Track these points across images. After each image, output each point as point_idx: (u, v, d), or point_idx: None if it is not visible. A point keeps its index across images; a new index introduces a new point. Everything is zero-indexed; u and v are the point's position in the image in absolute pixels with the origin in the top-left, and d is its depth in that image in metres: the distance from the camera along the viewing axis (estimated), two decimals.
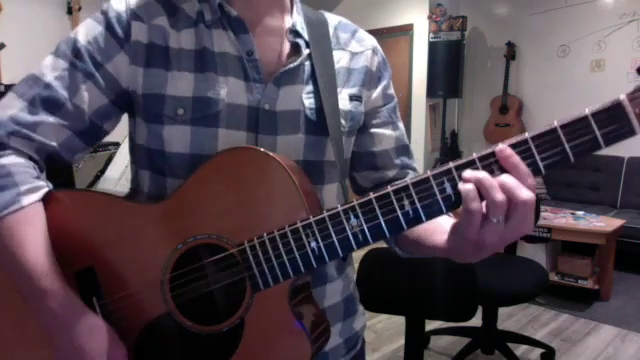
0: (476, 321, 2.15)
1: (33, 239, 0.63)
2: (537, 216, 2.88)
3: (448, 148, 5.37)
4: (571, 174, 4.54)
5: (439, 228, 0.67)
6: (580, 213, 3.57)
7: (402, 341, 1.85)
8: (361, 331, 0.88)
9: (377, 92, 0.83)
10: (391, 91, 0.86)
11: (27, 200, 0.64)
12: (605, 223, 3.35)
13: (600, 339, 2.95)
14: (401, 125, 0.87)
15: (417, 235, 0.72)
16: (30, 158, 0.68)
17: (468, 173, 0.55)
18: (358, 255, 1.01)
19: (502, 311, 3.12)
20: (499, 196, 0.54)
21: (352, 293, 0.86)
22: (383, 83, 0.84)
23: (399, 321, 2.99)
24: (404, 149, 0.86)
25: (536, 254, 3.50)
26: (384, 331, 3.03)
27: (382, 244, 0.76)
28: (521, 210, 0.54)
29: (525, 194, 0.53)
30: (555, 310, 3.33)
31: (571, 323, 3.16)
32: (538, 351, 2.75)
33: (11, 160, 0.66)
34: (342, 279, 0.83)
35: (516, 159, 0.54)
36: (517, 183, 0.54)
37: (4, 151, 0.67)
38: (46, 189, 0.67)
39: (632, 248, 3.78)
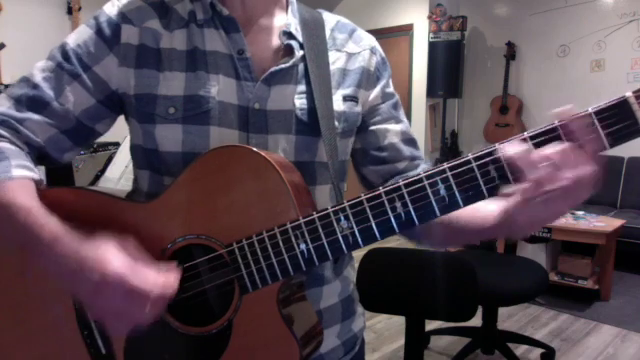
0: (476, 321, 2.15)
1: (24, 197, 0.62)
2: None
3: (448, 148, 5.37)
4: None
5: (478, 213, 0.63)
6: (580, 213, 3.57)
7: (402, 341, 1.85)
8: (360, 332, 0.87)
9: (376, 91, 0.82)
10: (390, 89, 0.85)
11: (17, 173, 0.64)
12: (605, 223, 3.35)
13: (600, 339, 2.94)
14: (405, 120, 0.86)
15: (453, 224, 0.68)
16: (21, 149, 0.69)
17: (511, 151, 0.53)
18: (358, 255, 1.01)
19: (502, 311, 3.12)
20: (542, 172, 0.51)
21: (351, 294, 0.86)
22: (382, 82, 0.83)
23: (399, 321, 2.99)
24: (411, 142, 0.84)
25: (536, 254, 3.50)
26: (384, 331, 3.03)
27: (382, 244, 0.75)
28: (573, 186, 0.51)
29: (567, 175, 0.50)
30: (555, 310, 3.33)
31: (571, 323, 3.16)
32: (538, 351, 2.75)
33: (4, 145, 0.67)
34: (340, 280, 0.83)
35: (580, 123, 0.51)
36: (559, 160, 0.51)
37: None
38: (37, 174, 0.67)
39: (632, 248, 3.78)
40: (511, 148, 0.53)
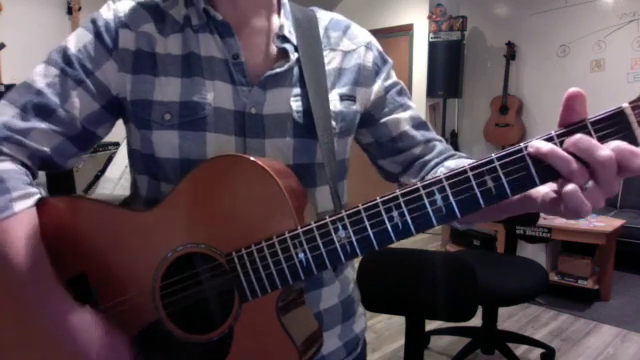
0: (476, 321, 2.15)
1: (26, 244, 0.63)
2: (537, 216, 2.88)
3: None
4: None
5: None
6: None
7: (402, 341, 1.85)
8: (361, 333, 0.87)
9: (377, 86, 0.81)
10: (391, 80, 0.84)
11: (19, 206, 0.64)
12: (605, 223, 3.35)
13: (600, 339, 2.95)
14: (412, 104, 0.85)
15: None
16: (23, 164, 0.68)
17: (536, 145, 0.51)
18: None
19: (502, 311, 3.13)
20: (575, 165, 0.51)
21: (350, 294, 0.85)
22: (382, 75, 0.82)
23: (399, 321, 2.99)
24: (422, 125, 0.84)
25: (536, 254, 3.50)
26: (384, 331, 3.03)
27: None
28: (601, 171, 0.52)
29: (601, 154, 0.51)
30: (555, 310, 3.33)
31: (571, 323, 3.16)
32: (538, 351, 2.75)
33: (4, 166, 0.65)
34: (339, 281, 0.83)
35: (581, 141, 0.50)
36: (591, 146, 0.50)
37: None
38: (38, 195, 0.67)
39: (632, 248, 3.78)
40: (536, 143, 0.52)
